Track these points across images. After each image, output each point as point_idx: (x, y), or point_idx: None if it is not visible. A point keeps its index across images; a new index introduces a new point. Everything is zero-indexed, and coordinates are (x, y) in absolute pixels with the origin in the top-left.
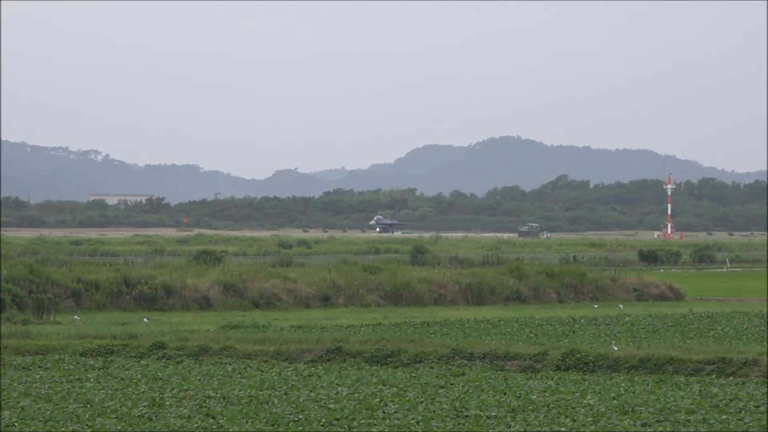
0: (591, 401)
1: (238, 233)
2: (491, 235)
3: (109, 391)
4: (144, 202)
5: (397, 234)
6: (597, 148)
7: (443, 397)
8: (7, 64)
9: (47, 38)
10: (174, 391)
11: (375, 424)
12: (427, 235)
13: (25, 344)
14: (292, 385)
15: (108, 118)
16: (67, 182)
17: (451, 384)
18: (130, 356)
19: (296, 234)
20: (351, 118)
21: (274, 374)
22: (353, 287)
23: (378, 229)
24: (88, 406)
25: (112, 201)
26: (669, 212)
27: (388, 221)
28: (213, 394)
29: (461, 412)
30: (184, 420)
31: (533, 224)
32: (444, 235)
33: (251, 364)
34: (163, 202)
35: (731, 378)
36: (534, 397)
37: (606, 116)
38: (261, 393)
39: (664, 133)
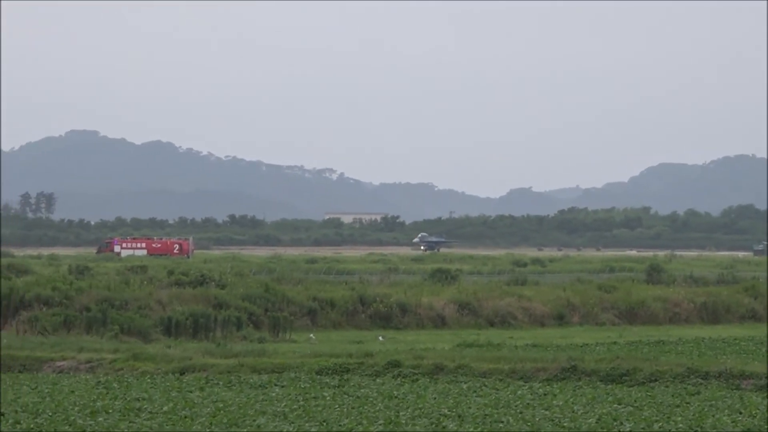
0: None
1: (473, 252)
2: (726, 253)
3: (345, 410)
4: (379, 220)
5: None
6: None
7: (679, 416)
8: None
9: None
10: (409, 410)
11: None
12: (661, 253)
13: (261, 362)
14: (527, 403)
15: (342, 138)
16: (303, 201)
17: (687, 403)
18: (366, 374)
19: (531, 252)
20: (584, 136)
21: (509, 393)
22: (588, 306)
23: (423, 247)
24: (324, 424)
25: (347, 219)
26: None
27: (434, 239)
28: (448, 413)
29: (697, 430)
30: None
31: None
32: (678, 253)
33: (486, 383)
34: (397, 221)
35: None
36: None
37: None
38: (496, 411)
39: None
